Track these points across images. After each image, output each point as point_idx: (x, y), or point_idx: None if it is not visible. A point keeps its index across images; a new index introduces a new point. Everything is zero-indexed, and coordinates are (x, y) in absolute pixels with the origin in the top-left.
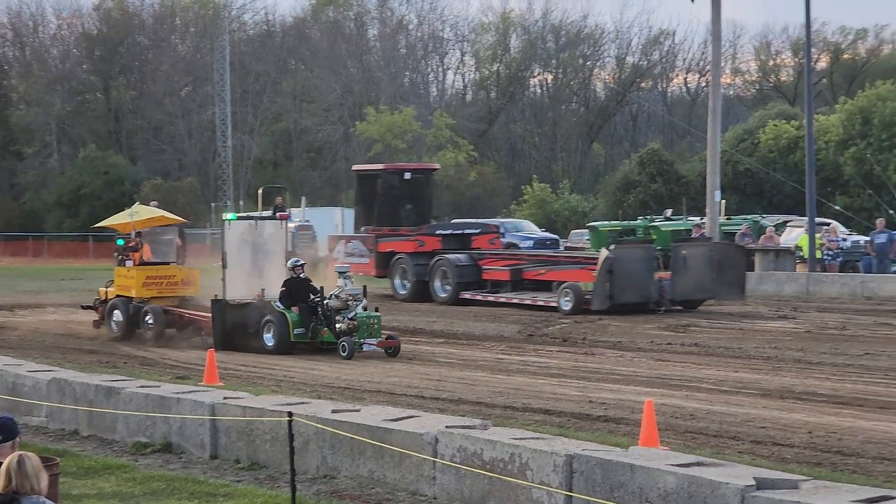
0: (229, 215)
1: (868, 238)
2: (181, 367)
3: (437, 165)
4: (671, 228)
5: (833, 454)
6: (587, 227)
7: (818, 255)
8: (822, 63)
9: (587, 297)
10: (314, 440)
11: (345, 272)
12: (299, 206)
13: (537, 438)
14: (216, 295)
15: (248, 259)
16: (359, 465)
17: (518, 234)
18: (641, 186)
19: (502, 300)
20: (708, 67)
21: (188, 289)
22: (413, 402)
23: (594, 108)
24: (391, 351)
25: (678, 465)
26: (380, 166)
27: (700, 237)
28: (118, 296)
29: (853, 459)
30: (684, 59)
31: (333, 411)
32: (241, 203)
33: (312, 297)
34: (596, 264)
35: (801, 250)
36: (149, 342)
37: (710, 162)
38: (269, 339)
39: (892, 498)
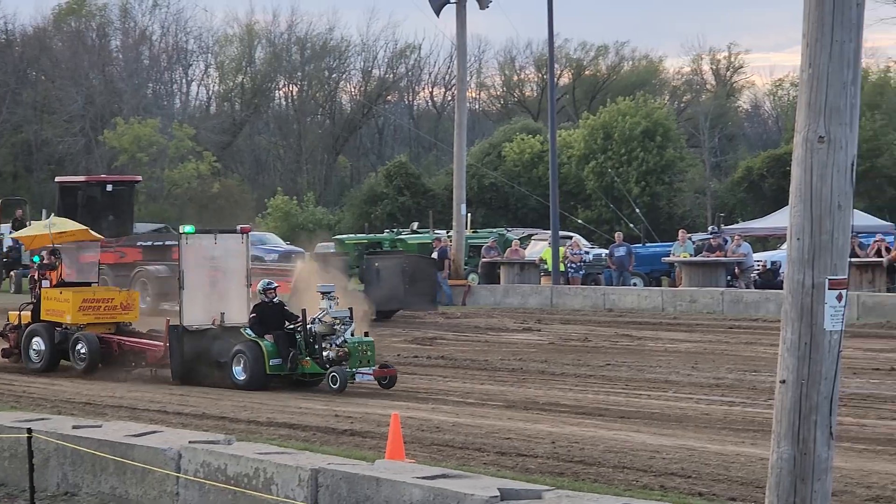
0: (187, 228)
1: (608, 251)
2: None
3: (138, 178)
4: (418, 241)
5: (575, 464)
6: (333, 240)
7: (562, 267)
8: (565, 79)
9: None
10: (54, 457)
11: (329, 292)
12: (41, 219)
13: (282, 453)
14: (168, 320)
15: (205, 279)
16: (100, 482)
17: (263, 246)
18: (388, 199)
19: None
20: (454, 82)
21: (128, 314)
22: (156, 418)
23: (340, 120)
24: (386, 382)
25: (424, 478)
26: (81, 178)
27: (440, 251)
28: (42, 321)
29: (595, 468)
30: (430, 73)
31: (74, 427)
32: None
33: (288, 323)
34: (292, 276)
35: (546, 263)
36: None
37: (456, 175)
38: (239, 372)
39: None
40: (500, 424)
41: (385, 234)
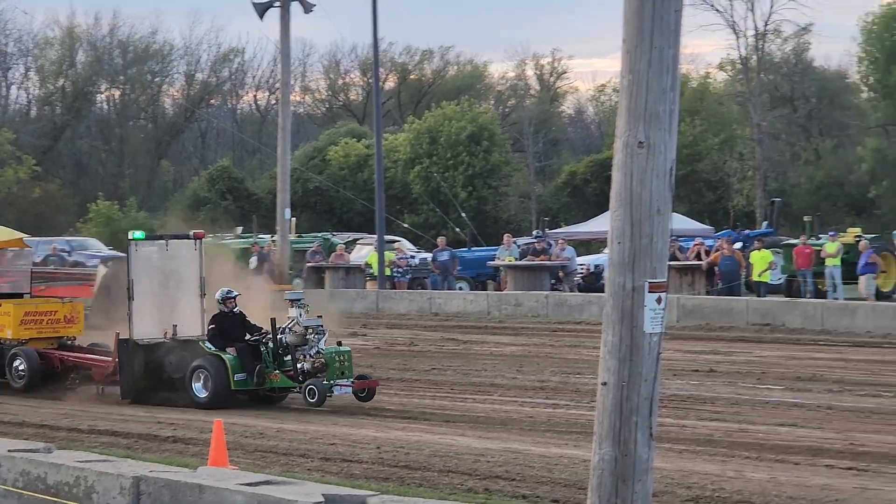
0: (136, 233)
1: (432, 256)
2: None
3: None
4: (242, 246)
5: (401, 468)
6: None
7: (388, 272)
8: (391, 83)
9: (86, 311)
10: None
11: (298, 300)
12: None
13: (103, 461)
14: (118, 333)
15: (155, 288)
16: None
17: (84, 252)
18: (211, 204)
19: None
20: (278, 85)
21: (72, 328)
22: None
23: (163, 124)
24: (364, 395)
25: (247, 485)
26: None
27: (259, 255)
28: None
29: (420, 473)
30: (254, 77)
31: None
32: None
33: (251, 335)
34: (94, 280)
35: (371, 267)
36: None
37: (280, 180)
38: (199, 389)
39: None
40: (325, 430)
41: (208, 238)
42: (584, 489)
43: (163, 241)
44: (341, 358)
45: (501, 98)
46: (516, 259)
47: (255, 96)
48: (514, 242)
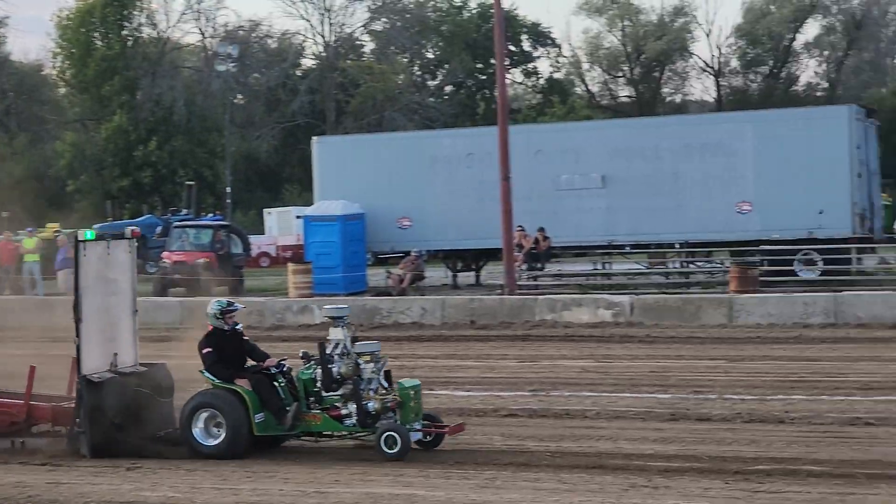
0: (88, 233)
1: None
2: None
3: None
4: None
5: None
6: None
7: None
8: None
9: None
10: None
11: (342, 317)
12: None
13: None
14: (33, 367)
15: (97, 305)
16: None
17: None
18: None
19: None
20: None
21: None
22: None
23: None
24: (432, 440)
25: None
26: None
27: None
28: None
29: None
30: None
31: None
32: None
33: (254, 361)
34: None
35: None
36: None
37: None
38: (201, 435)
39: None
40: None
41: None
42: None
43: (105, 242)
44: (413, 393)
45: None
46: None
47: None
48: None
